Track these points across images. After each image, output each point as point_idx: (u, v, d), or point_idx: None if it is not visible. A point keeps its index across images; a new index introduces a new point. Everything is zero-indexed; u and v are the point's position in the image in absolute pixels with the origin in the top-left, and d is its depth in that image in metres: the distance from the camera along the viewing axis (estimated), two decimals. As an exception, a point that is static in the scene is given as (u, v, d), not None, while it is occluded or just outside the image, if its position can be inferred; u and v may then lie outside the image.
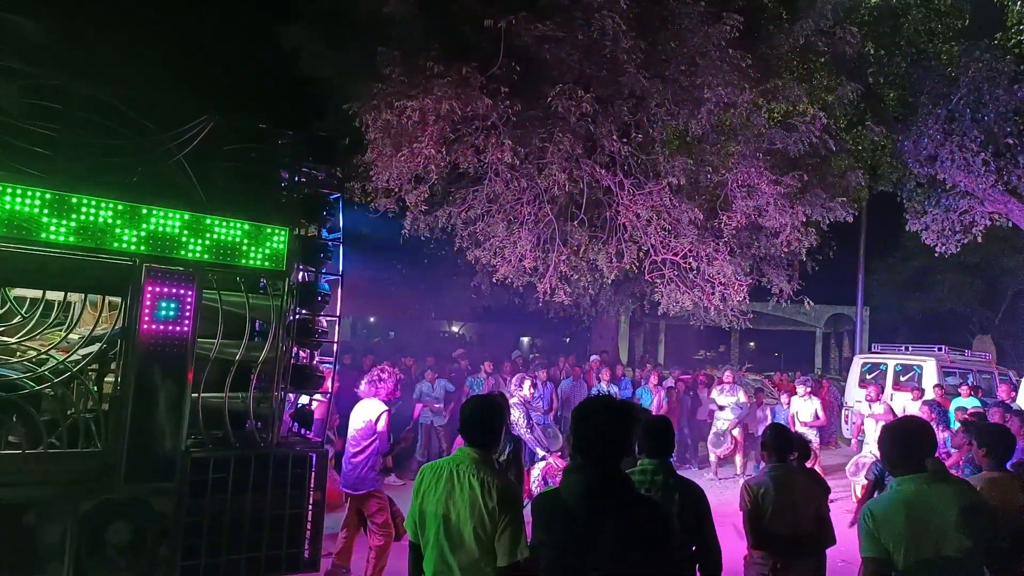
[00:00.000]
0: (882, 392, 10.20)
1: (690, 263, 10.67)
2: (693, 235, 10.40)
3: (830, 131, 10.63)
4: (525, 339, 28.13)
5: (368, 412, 6.06)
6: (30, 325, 4.64)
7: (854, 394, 14.64)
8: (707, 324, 13.85)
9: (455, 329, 28.36)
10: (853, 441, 11.08)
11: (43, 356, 4.52)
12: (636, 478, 3.50)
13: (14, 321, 4.64)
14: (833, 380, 18.90)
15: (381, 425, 5.99)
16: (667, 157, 10.19)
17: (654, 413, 10.49)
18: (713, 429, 11.52)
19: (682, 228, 10.34)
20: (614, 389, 11.77)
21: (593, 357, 14.25)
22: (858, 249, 18.91)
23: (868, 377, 14.64)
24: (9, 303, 4.65)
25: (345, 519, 6.13)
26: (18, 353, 4.51)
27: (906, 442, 3.13)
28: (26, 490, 4.12)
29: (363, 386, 6.28)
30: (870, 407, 9.76)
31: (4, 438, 4.39)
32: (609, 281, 11.45)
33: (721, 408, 11.49)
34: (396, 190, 10.08)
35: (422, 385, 11.21)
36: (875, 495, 5.91)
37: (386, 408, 6.07)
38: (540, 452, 7.76)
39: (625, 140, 10.11)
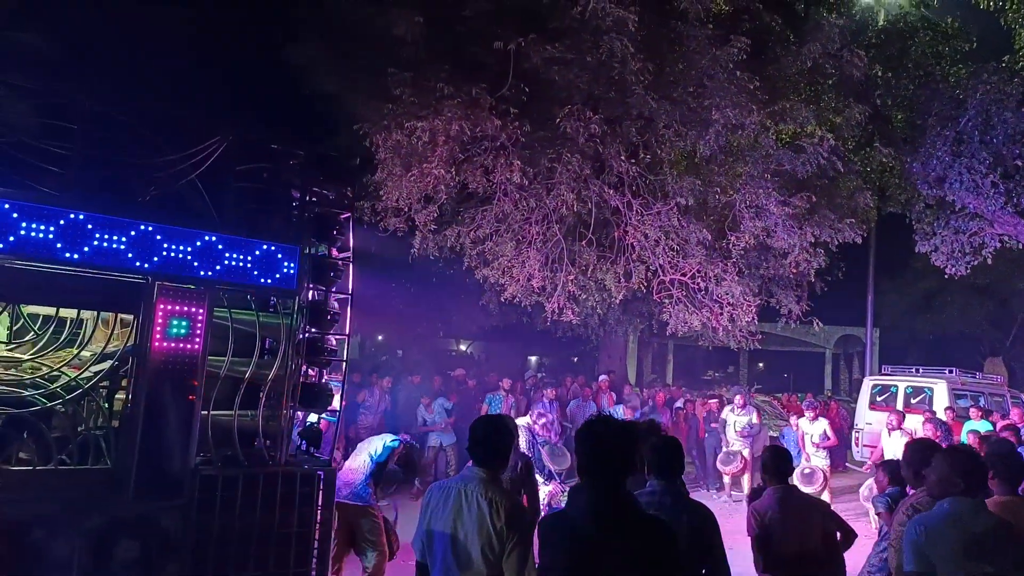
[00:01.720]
0: (903, 419, 10.05)
1: (698, 283, 10.67)
2: (701, 255, 10.41)
3: (838, 152, 10.65)
4: (533, 358, 28.08)
5: (374, 446, 6.06)
6: (43, 342, 4.69)
7: (864, 416, 14.52)
8: (715, 344, 13.79)
9: (463, 347, 28.35)
10: (868, 464, 10.93)
11: (55, 373, 4.56)
12: (644, 499, 3.48)
13: (27, 338, 4.69)
14: (843, 402, 18.76)
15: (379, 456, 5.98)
16: (675, 178, 10.23)
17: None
18: (724, 448, 11.45)
19: (690, 248, 10.36)
20: (620, 408, 11.72)
21: (602, 377, 14.20)
22: (867, 270, 18.84)
23: (879, 399, 14.53)
24: (23, 320, 4.71)
25: (335, 540, 6.09)
26: (31, 370, 4.56)
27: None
28: (35, 506, 4.14)
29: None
30: (889, 434, 9.67)
31: (15, 454, 4.43)
32: (617, 301, 11.45)
33: (735, 429, 11.42)
34: (406, 209, 10.16)
35: (422, 412, 11.11)
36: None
37: (398, 443, 6.03)
38: (540, 479, 7.67)
39: (633, 161, 10.17)
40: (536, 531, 2.81)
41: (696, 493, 11.64)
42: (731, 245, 10.46)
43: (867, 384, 15.59)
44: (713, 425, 12.13)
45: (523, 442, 7.31)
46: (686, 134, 9.98)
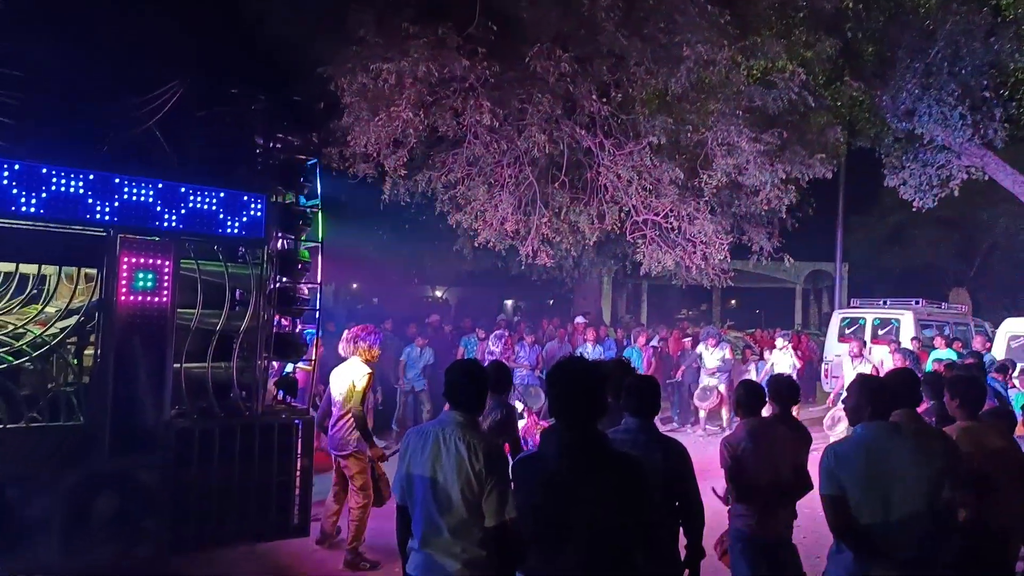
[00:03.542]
0: (864, 347, 10.40)
1: (671, 223, 10.69)
2: (674, 195, 10.40)
3: (809, 87, 10.59)
4: (509, 302, 28.19)
5: (350, 374, 6.00)
6: (5, 299, 4.57)
7: (833, 349, 14.87)
8: (689, 283, 13.93)
9: (439, 294, 28.35)
10: (831, 395, 11.31)
11: (20, 330, 4.47)
12: (619, 437, 3.54)
13: (-12, 296, 4.57)
14: (812, 335, 19.18)
15: (361, 386, 5.92)
16: (647, 117, 10.12)
17: (644, 373, 10.66)
18: (700, 384, 11.72)
19: (663, 188, 10.34)
20: (598, 350, 11.87)
21: (578, 319, 14.30)
22: (837, 206, 19.03)
23: (847, 332, 14.86)
24: (-18, 278, 4.58)
25: (334, 482, 6.15)
26: (-6, 328, 4.46)
27: (874, 391, 3.28)
28: (8, 465, 4.10)
29: (342, 346, 6.19)
30: (853, 363, 9.97)
31: (-16, 414, 4.36)
32: (591, 243, 11.46)
33: (707, 365, 11.69)
34: (374, 155, 9.94)
35: (411, 351, 11.12)
36: None
37: (369, 371, 5.96)
38: (518, 405, 7.93)
39: (605, 100, 10.03)
40: (510, 474, 2.84)
41: (670, 430, 11.94)
42: (703, 184, 10.45)
43: (836, 317, 15.92)
44: (693, 365, 12.38)
45: None
46: (657, 72, 9.83)
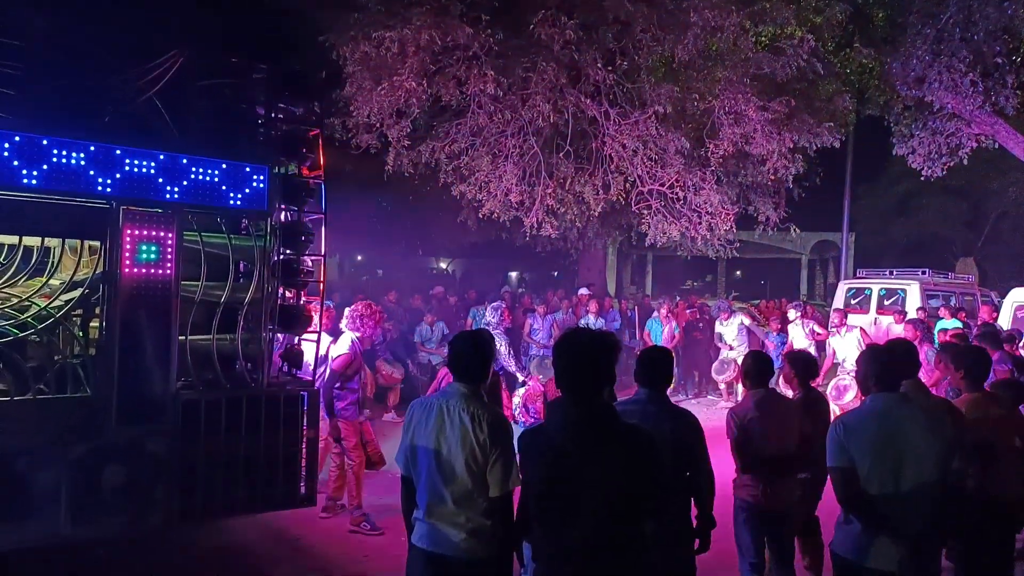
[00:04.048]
0: (846, 319, 10.32)
1: (677, 193, 10.60)
2: (680, 164, 10.30)
3: (818, 54, 10.43)
4: (513, 274, 28.17)
5: (339, 347, 6.10)
6: (10, 272, 4.57)
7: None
8: (694, 254, 13.88)
9: (443, 265, 28.34)
10: (823, 368, 11.17)
11: (25, 303, 4.47)
12: (629, 408, 3.54)
13: (-7, 269, 4.57)
14: (818, 306, 19.12)
15: (334, 353, 6.00)
16: (653, 85, 9.99)
17: (667, 345, 10.68)
18: (720, 357, 11.74)
19: (669, 158, 10.23)
20: (600, 322, 11.88)
21: (581, 290, 14.29)
22: (844, 175, 18.84)
23: (853, 302, 14.82)
24: (-13, 251, 4.57)
25: (334, 451, 6.23)
26: (0, 301, 4.46)
27: (884, 363, 3.23)
28: (17, 437, 4.13)
29: (344, 322, 6.28)
30: (839, 332, 9.94)
31: (-8, 387, 4.38)
32: (596, 213, 11.38)
33: (727, 339, 11.69)
34: (377, 125, 9.85)
35: (421, 329, 11.29)
36: None
37: (349, 347, 6.04)
38: (520, 377, 8.11)
39: (610, 68, 9.89)
40: (517, 447, 2.84)
41: (679, 400, 11.98)
42: (709, 153, 10.35)
43: (842, 288, 15.85)
44: (695, 334, 12.39)
45: (503, 346, 7.86)
46: (664, 38, 9.68)
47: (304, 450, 5.05)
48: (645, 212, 11.09)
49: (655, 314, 12.69)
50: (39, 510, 4.12)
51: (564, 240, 15.04)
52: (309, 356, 5.65)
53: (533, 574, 3.14)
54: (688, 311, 13.57)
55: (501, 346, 7.79)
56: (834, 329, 10.19)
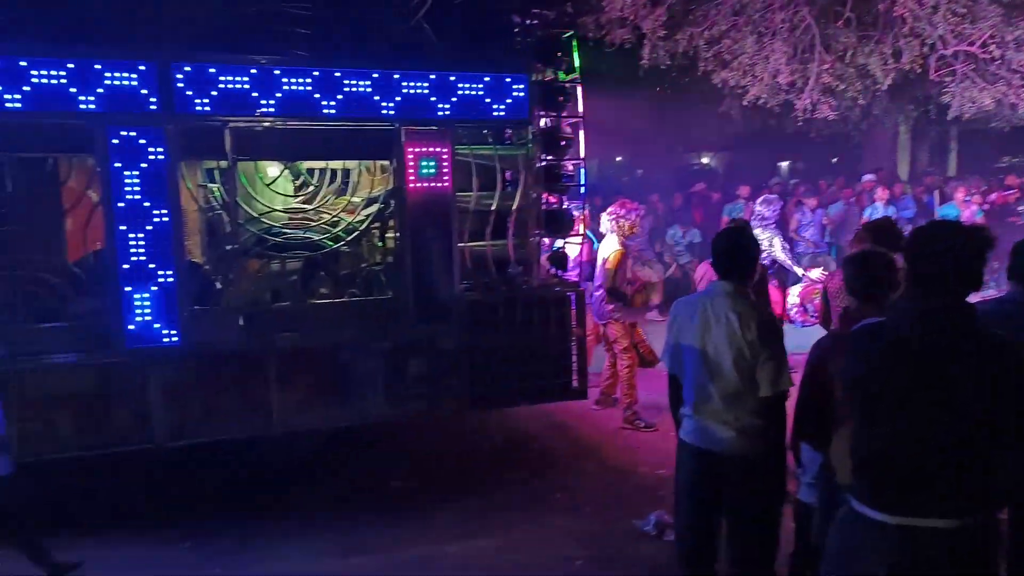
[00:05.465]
0: None
1: (991, 52, 8.84)
2: (996, 16, 8.52)
3: None
4: (784, 164, 26.04)
5: (604, 251, 6.16)
6: (321, 192, 5.32)
7: None
8: (1014, 124, 11.66)
9: (705, 160, 27.13)
10: None
11: (335, 219, 5.21)
12: (991, 307, 3.02)
13: (309, 190, 5.36)
14: None
15: (610, 264, 6.05)
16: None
17: None
18: None
19: (980, 10, 8.50)
20: (891, 211, 10.62)
21: (867, 176, 12.82)
22: None
23: None
24: (303, 175, 5.36)
25: (605, 349, 6.47)
26: (316, 217, 5.25)
27: None
28: (338, 332, 4.90)
29: (603, 223, 6.33)
30: None
31: (316, 290, 5.23)
32: (884, 87, 9.96)
33: None
34: (631, 17, 9.48)
35: (674, 231, 11.16)
36: None
37: (619, 249, 6.05)
38: (798, 271, 7.73)
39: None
40: (849, 337, 2.35)
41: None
42: (1038, -3, 8.42)
43: None
44: (1013, 219, 10.56)
45: (777, 240, 7.80)
46: None
47: (574, 346, 5.33)
48: (948, 79, 9.47)
49: (950, 200, 11.05)
50: (360, 393, 4.90)
51: (844, 122, 13.47)
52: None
53: (812, 478, 3.02)
54: (997, 193, 11.52)
55: (776, 241, 7.74)
56: None
